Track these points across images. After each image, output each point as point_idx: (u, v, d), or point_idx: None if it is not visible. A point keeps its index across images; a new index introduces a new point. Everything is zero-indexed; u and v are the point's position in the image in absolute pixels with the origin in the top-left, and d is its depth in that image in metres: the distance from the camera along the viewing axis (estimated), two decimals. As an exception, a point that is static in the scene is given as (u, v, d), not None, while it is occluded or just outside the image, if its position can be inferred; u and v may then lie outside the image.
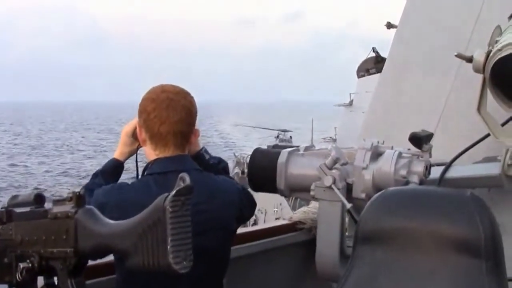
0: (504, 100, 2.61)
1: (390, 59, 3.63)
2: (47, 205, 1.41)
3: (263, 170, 2.59)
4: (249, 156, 2.67)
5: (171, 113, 2.10)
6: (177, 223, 1.12)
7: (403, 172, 2.34)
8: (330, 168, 2.35)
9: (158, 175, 2.10)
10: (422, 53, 3.38)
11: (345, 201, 2.32)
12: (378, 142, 2.49)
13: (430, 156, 2.44)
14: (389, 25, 17.04)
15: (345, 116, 25.82)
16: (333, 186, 2.33)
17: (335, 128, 32.73)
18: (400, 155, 2.39)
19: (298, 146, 2.66)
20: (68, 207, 1.28)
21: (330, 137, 31.76)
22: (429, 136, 2.42)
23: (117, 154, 2.37)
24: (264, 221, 24.56)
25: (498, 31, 2.60)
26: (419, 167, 2.36)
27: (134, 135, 2.33)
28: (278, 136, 62.69)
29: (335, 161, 2.35)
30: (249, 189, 2.56)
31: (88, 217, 1.26)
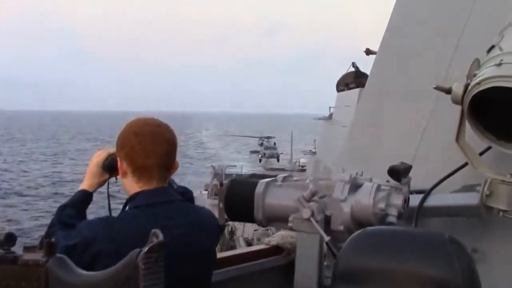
0: (482, 132, 2.66)
1: (369, 86, 3.68)
2: (18, 248, 1.42)
3: (241, 200, 2.60)
4: (227, 185, 2.68)
5: (156, 146, 2.15)
6: (149, 280, 1.13)
7: (381, 205, 2.36)
8: (308, 201, 2.37)
9: (146, 207, 2.14)
10: (401, 80, 3.43)
11: (324, 234, 2.33)
12: (356, 173, 2.51)
13: (409, 189, 2.47)
14: (368, 52, 17.31)
15: (324, 130, 26.01)
16: (311, 219, 2.35)
17: (314, 141, 32.96)
18: (379, 188, 2.41)
19: (275, 176, 2.67)
20: (39, 255, 1.28)
21: (310, 151, 32.01)
22: (408, 169, 2.45)
23: (86, 185, 2.39)
24: (243, 231, 24.68)
25: (477, 63, 2.65)
26: (397, 200, 2.39)
27: (104, 166, 2.39)
28: (262, 143, 62.87)
29: (313, 193, 2.37)
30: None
31: (59, 266, 1.26)
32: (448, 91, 2.65)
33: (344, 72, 24.21)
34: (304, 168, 40.94)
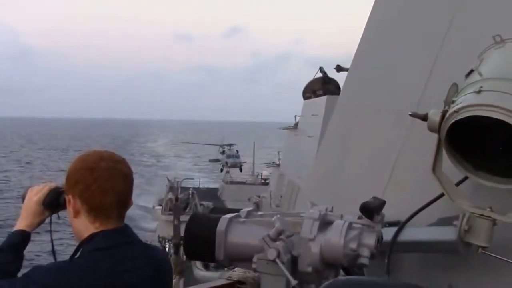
0: (459, 161, 2.66)
1: (339, 106, 3.66)
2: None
3: (200, 238, 2.54)
4: (186, 222, 2.62)
5: (115, 183, 2.15)
6: None
7: (353, 245, 2.34)
8: (274, 240, 2.33)
9: (107, 250, 2.11)
10: (374, 102, 3.42)
11: (290, 277, 2.29)
12: (326, 209, 2.48)
13: (382, 227, 2.45)
14: (339, 69, 17.51)
15: (289, 140, 26.05)
16: (277, 260, 2.30)
17: (278, 152, 32.99)
18: (350, 226, 2.39)
19: (238, 212, 2.62)
20: None
21: (273, 162, 32.01)
22: (381, 205, 2.43)
23: (23, 225, 2.33)
24: None
25: (455, 89, 2.65)
26: (370, 240, 2.37)
27: (45, 203, 2.35)
28: (223, 151, 62.57)
29: (280, 232, 2.33)
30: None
31: None
32: (424, 118, 2.64)
33: (310, 78, 24.40)
34: (267, 181, 41.07)
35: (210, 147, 71.80)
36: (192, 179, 46.82)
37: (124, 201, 2.19)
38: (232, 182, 47.76)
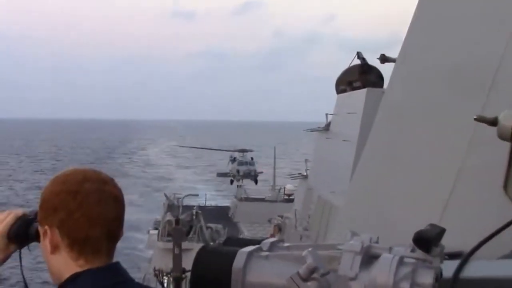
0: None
1: (385, 107, 3.68)
2: None
3: (212, 278, 2.56)
4: (195, 256, 2.65)
5: (103, 210, 2.16)
6: None
7: (405, 285, 2.35)
8: (306, 279, 2.34)
9: None
10: (429, 102, 3.43)
11: (327, 326, 2.31)
12: (371, 239, 2.49)
13: (442, 261, 2.46)
14: (384, 59, 17.42)
15: (319, 145, 25.90)
16: (309, 305, 2.32)
17: (305, 161, 32.94)
18: (401, 261, 2.40)
19: (260, 244, 2.64)
20: None
21: (300, 174, 31.95)
22: (440, 234, 2.44)
23: None
24: None
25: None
26: (427, 278, 2.38)
27: (10, 235, 2.37)
28: (234, 159, 62.24)
29: (312, 269, 2.34)
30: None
31: None
32: (493, 123, 2.66)
33: (346, 66, 24.30)
34: (291, 198, 40.90)
35: (219, 154, 71.79)
36: (197, 195, 46.84)
37: (114, 232, 2.21)
38: (247, 199, 47.81)
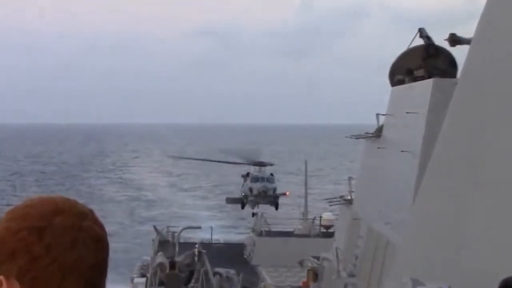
0: None
1: (459, 106, 3.92)
2: None
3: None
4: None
5: (81, 254, 2.18)
6: None
7: None
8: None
9: None
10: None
11: None
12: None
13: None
14: (453, 40, 17.56)
15: (368, 158, 25.72)
16: None
17: (349, 179, 32.86)
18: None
19: None
20: None
21: (342, 197, 31.92)
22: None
23: None
24: None
25: None
26: None
27: None
28: (247, 174, 61.34)
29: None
30: None
31: None
32: None
33: (404, 48, 24.25)
34: (330, 231, 40.53)
35: (229, 169, 71.49)
36: (199, 227, 46.23)
37: (95, 283, 2.24)
38: (269, 233, 47.28)
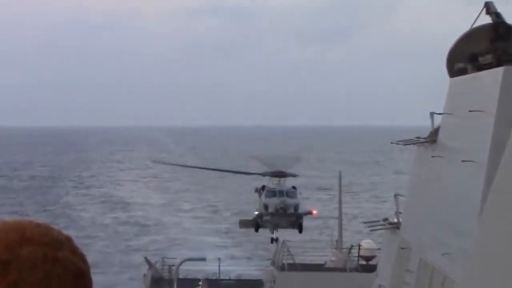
0: None
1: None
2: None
3: None
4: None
5: None
6: None
7: None
8: None
9: None
10: None
11: None
12: None
13: None
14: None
15: (421, 169, 25.89)
16: None
17: (395, 197, 32.84)
18: None
19: None
20: None
21: (386, 221, 31.95)
22: None
23: None
24: None
25: None
26: None
27: None
28: (262, 188, 61.78)
29: None
30: None
31: None
32: None
33: (466, 27, 24.18)
34: (372, 264, 40.73)
35: (240, 180, 71.78)
36: (203, 259, 46.29)
37: None
38: (292, 267, 47.57)
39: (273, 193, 58.48)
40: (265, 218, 57.16)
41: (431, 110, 25.05)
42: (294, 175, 62.18)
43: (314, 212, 62.26)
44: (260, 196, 60.19)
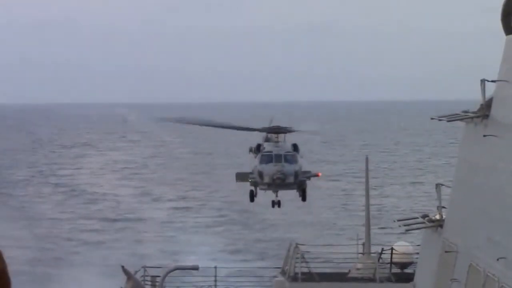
0: None
1: None
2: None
3: None
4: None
5: None
6: None
7: None
8: None
9: None
10: None
11: None
12: None
13: None
14: None
15: (469, 150, 25.79)
16: None
17: (437, 187, 32.93)
18: None
19: None
20: None
21: (426, 217, 32.12)
22: None
23: None
24: None
25: None
26: None
27: None
28: (258, 147, 61.47)
29: None
30: None
31: None
32: None
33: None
34: (408, 272, 40.62)
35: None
36: (196, 268, 46.15)
37: None
38: (308, 276, 47.37)
39: (269, 158, 58.05)
40: (261, 187, 57.24)
41: (482, 78, 24.91)
42: (293, 131, 62.19)
43: (320, 174, 62.50)
44: (255, 157, 60.06)
